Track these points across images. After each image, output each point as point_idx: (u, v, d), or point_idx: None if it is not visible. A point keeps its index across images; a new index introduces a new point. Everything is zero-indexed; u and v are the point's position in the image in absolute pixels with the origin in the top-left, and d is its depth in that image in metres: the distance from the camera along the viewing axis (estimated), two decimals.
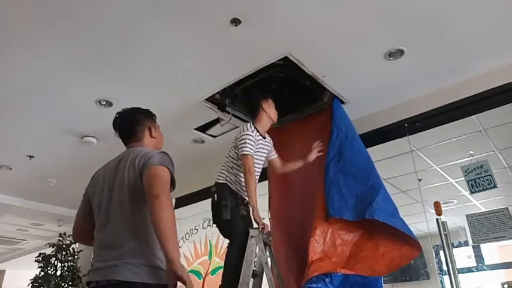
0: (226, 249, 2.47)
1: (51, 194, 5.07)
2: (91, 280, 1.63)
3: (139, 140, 1.94)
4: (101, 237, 1.71)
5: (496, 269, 5.89)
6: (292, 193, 3.04)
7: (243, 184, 2.49)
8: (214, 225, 2.56)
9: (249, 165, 2.44)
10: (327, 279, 2.24)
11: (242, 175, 2.51)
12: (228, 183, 2.50)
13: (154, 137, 1.99)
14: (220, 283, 2.38)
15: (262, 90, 2.87)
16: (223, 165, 2.60)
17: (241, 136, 2.53)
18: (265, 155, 2.68)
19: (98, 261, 1.65)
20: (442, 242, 2.73)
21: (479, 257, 5.40)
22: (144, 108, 2.04)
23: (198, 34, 2.39)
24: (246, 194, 2.50)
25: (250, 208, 2.43)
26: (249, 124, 2.61)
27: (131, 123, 1.96)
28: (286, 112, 3.33)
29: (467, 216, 3.02)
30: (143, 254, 1.59)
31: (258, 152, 2.56)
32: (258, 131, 2.60)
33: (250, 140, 2.50)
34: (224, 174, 2.55)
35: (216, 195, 2.48)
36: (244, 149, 2.47)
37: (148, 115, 2.03)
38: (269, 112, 2.69)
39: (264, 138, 2.67)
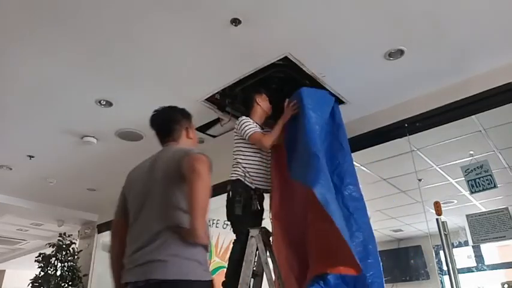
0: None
1: (51, 194, 5.07)
2: (128, 281, 1.58)
3: (176, 140, 1.93)
4: (135, 233, 1.68)
5: (496, 269, 5.90)
6: (293, 192, 3.04)
7: (254, 174, 2.54)
8: (214, 225, 2.57)
9: (259, 139, 2.52)
10: (321, 282, 2.23)
11: (250, 166, 2.55)
12: (240, 177, 2.52)
13: (191, 138, 1.99)
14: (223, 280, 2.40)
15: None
16: (233, 163, 2.63)
17: (239, 125, 2.60)
18: None
19: (135, 259, 1.60)
20: (442, 242, 2.73)
21: (479, 257, 5.40)
22: (181, 107, 2.04)
23: (198, 34, 2.39)
24: (260, 184, 2.55)
25: (276, 127, 2.56)
26: (241, 116, 2.68)
27: (169, 122, 1.95)
28: None
29: (467, 216, 3.02)
30: (182, 250, 1.56)
31: None
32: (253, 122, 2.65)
33: (248, 121, 2.58)
34: (234, 170, 2.58)
35: (230, 192, 2.51)
36: (247, 131, 2.54)
37: (186, 115, 2.03)
38: (263, 105, 2.74)
39: (262, 128, 2.72)
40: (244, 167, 2.54)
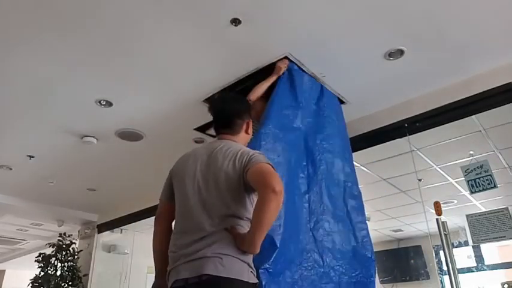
0: None
1: (51, 194, 5.07)
2: (179, 278, 1.52)
3: (234, 134, 1.84)
4: (186, 228, 1.63)
5: (496, 269, 5.91)
6: None
7: None
8: None
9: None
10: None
11: None
12: None
13: (248, 134, 1.91)
14: None
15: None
16: None
17: None
18: None
19: (186, 253, 1.55)
20: (442, 242, 2.73)
21: (479, 257, 5.41)
22: (245, 98, 1.96)
23: (198, 34, 2.39)
24: None
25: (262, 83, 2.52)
26: None
27: (232, 115, 1.85)
28: None
29: (467, 216, 3.02)
30: (235, 251, 1.53)
31: None
32: None
33: None
34: None
35: None
36: None
37: (249, 108, 1.95)
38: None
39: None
40: None
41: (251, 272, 1.57)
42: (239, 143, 1.81)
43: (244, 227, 1.61)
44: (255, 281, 1.58)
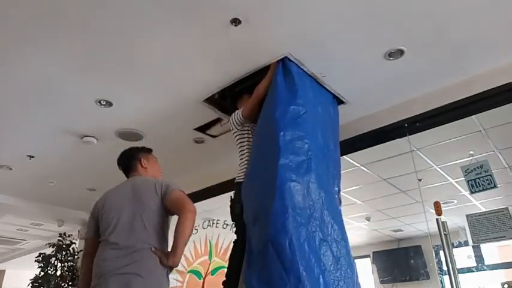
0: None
1: (51, 194, 5.07)
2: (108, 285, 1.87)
3: (137, 171, 2.39)
4: (118, 243, 1.97)
5: (496, 269, 5.90)
6: None
7: None
8: (214, 225, 2.58)
9: (245, 107, 2.63)
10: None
11: None
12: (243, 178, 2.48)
13: (143, 166, 2.41)
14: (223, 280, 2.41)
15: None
16: (240, 163, 2.61)
17: (232, 120, 2.70)
18: None
19: (115, 267, 1.89)
20: (442, 242, 2.73)
21: (479, 257, 5.40)
22: (132, 148, 2.52)
23: (198, 34, 2.39)
24: None
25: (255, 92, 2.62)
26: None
27: (130, 159, 2.45)
28: None
29: (467, 216, 3.02)
30: (158, 267, 1.94)
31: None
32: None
33: (235, 112, 2.70)
34: (240, 170, 2.55)
35: (233, 194, 2.52)
36: (238, 113, 2.63)
37: (137, 150, 2.49)
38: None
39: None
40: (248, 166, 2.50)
41: (168, 284, 2.01)
42: (144, 175, 2.36)
43: (164, 246, 2.04)
44: None
